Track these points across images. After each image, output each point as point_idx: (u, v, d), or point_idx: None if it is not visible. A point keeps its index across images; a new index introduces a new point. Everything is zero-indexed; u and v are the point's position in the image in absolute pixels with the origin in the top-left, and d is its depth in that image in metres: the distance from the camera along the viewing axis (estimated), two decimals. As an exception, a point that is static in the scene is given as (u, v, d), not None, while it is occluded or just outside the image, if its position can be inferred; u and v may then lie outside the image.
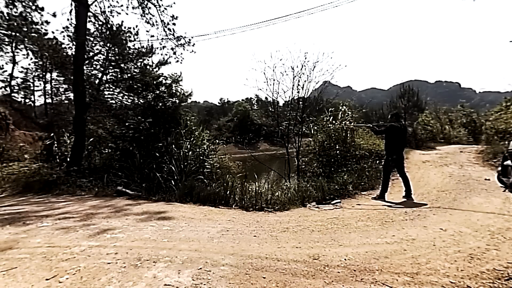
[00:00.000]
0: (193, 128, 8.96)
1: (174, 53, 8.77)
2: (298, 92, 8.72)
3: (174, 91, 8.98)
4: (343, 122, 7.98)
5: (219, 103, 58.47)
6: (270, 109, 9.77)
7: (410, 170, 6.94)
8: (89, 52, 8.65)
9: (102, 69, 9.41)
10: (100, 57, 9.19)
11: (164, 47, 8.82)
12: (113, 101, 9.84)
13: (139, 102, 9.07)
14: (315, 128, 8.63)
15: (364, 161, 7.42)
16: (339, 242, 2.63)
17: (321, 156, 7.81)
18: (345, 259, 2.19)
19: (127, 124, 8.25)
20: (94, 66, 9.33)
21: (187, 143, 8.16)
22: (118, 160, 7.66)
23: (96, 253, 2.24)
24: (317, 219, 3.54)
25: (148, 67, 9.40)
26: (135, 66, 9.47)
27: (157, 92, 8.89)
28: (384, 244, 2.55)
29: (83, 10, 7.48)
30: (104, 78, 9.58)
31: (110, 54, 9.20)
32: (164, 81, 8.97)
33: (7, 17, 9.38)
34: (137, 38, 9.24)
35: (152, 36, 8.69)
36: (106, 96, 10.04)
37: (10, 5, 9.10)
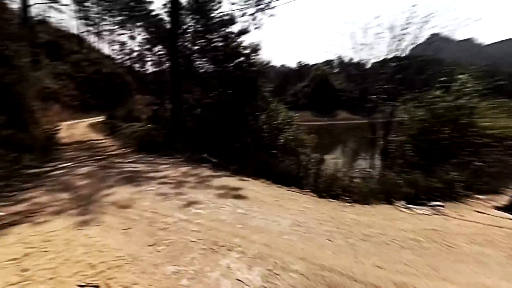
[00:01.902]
0: (269, 99, 8.87)
1: (254, 19, 8.47)
2: (397, 50, 6.95)
3: (253, 60, 8.91)
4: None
5: (297, 67, 55.69)
6: (355, 72, 8.41)
7: None
8: (181, 25, 9.42)
9: (192, 40, 10.21)
10: (190, 29, 9.91)
11: (244, 14, 8.59)
12: (201, 71, 10.76)
13: (221, 71, 9.54)
14: (414, 102, 6.90)
15: (488, 151, 5.55)
16: (439, 272, 2.09)
17: (418, 140, 6.33)
18: (447, 304, 1.72)
19: (211, 94, 8.94)
20: (187, 38, 10.22)
21: (263, 115, 8.22)
22: (203, 128, 8.60)
23: (184, 228, 2.60)
24: (408, 228, 2.95)
25: (229, 36, 9.52)
26: (219, 35, 9.78)
27: (237, 61, 9.04)
28: (513, 293, 1.86)
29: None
30: (194, 48, 10.42)
31: (197, 26, 9.77)
32: (243, 51, 8.97)
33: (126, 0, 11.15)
34: (220, 6, 9.32)
35: (234, 3, 8.56)
36: (195, 66, 11.04)
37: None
